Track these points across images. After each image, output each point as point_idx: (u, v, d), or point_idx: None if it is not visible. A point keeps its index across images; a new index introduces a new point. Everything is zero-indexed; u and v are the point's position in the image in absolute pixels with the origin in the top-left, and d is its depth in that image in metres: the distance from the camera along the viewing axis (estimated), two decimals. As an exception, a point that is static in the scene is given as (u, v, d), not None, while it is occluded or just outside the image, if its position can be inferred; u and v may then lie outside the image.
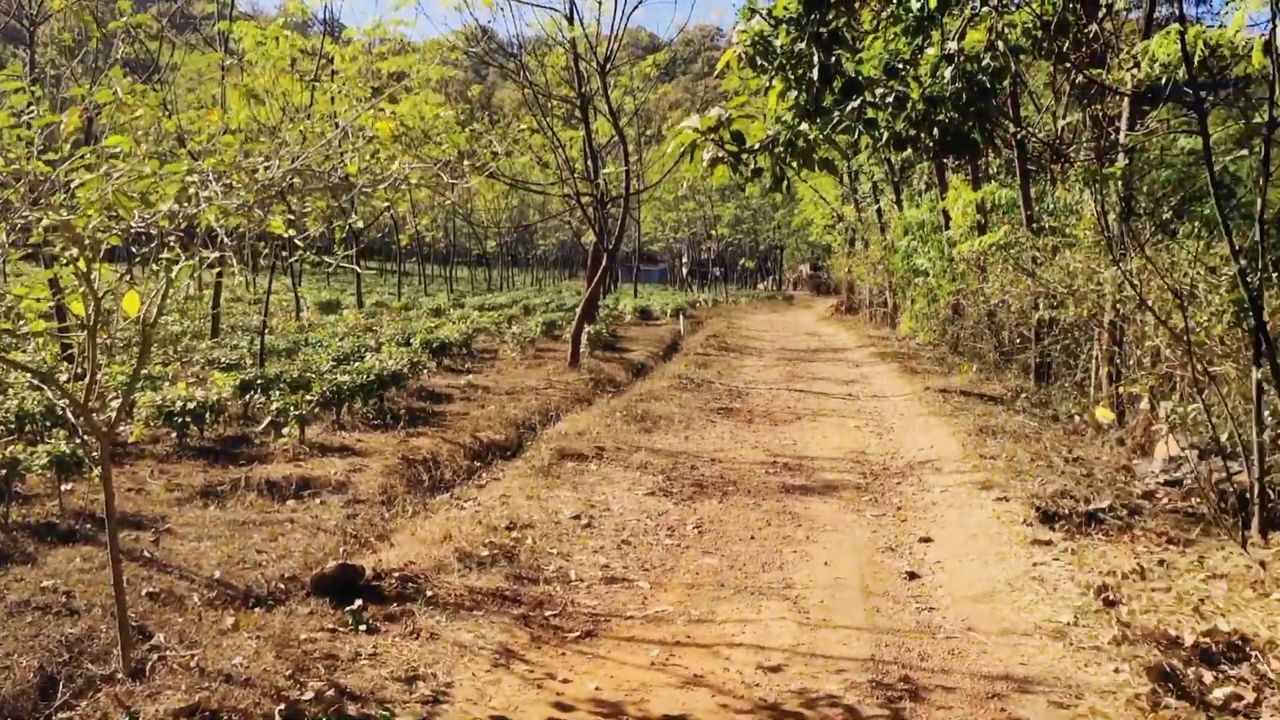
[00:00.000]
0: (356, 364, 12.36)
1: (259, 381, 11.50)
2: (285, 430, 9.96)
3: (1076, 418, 13.41)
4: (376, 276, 60.50)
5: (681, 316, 30.81)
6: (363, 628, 5.42)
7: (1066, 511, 8.32)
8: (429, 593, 6.01)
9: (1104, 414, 13.16)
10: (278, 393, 10.69)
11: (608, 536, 7.64)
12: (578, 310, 18.63)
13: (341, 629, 5.42)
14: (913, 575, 6.77)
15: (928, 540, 7.62)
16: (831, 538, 7.71)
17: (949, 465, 10.02)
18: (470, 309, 29.30)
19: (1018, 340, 18.15)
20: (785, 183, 7.63)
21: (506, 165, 30.29)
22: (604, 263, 19.27)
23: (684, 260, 78.95)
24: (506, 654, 5.30)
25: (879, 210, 30.53)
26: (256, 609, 5.89)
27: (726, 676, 5.05)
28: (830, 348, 24.76)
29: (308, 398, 10.56)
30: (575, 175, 21.23)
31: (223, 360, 13.97)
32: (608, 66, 20.09)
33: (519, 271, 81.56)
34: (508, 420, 11.88)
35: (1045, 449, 10.53)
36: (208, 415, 10.18)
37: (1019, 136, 15.52)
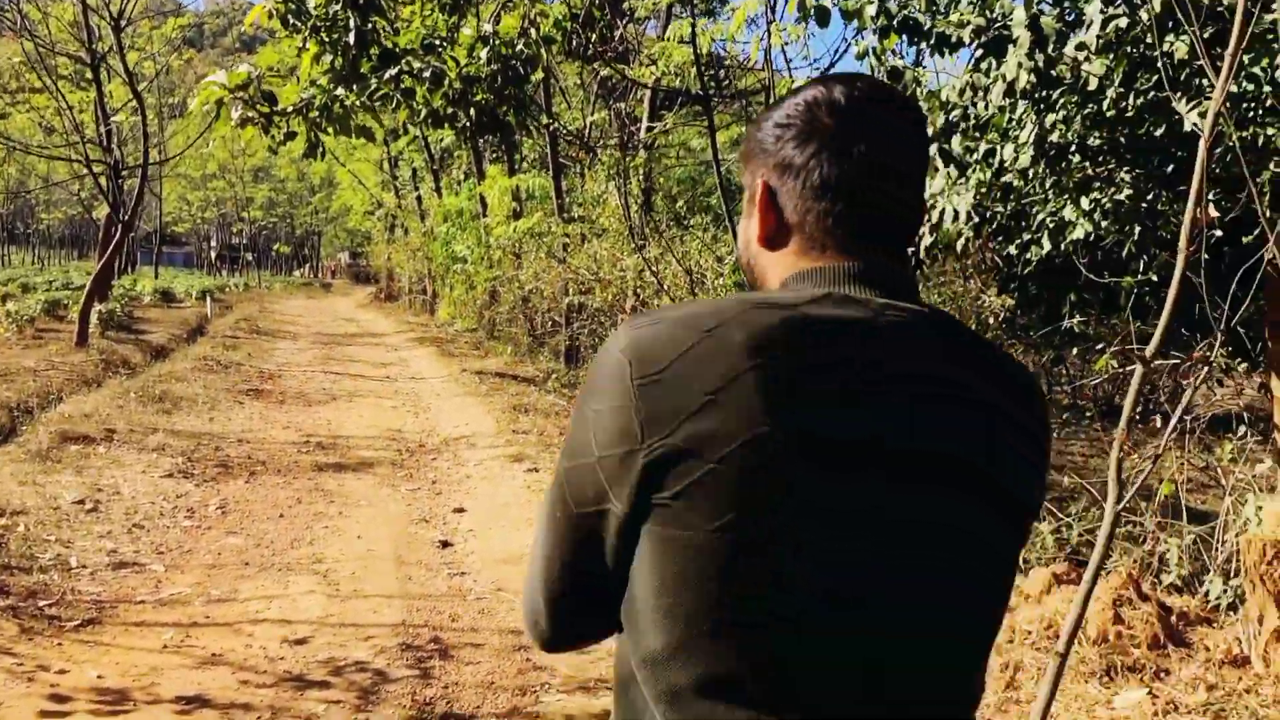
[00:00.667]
0: None
1: None
2: None
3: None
4: None
5: (209, 299, 28.98)
6: None
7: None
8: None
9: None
10: None
11: (117, 521, 6.98)
12: (87, 286, 16.91)
13: None
14: (445, 544, 6.82)
15: (461, 511, 7.72)
16: (365, 513, 7.59)
17: (483, 441, 10.23)
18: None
19: (550, 325, 18.96)
20: (320, 149, 7.40)
21: (3, 127, 26.91)
22: (117, 235, 17.64)
23: (213, 244, 74.37)
24: (-11, 650, 4.68)
25: (419, 197, 30.59)
26: None
27: (249, 653, 4.79)
28: (369, 333, 24.44)
29: None
30: (85, 141, 19.20)
31: None
32: (122, 23, 18.39)
33: (17, 249, 72.77)
34: None
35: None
36: None
37: (550, 128, 16.18)
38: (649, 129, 12.48)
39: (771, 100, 8.06)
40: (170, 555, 6.38)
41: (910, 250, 1.25)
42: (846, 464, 1.00)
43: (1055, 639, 4.32)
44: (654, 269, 12.04)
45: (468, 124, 8.66)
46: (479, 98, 8.54)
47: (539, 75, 11.93)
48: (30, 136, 27.02)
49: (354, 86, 7.34)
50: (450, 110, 8.45)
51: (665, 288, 12.24)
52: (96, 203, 38.06)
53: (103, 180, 19.46)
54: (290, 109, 7.19)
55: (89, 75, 19.18)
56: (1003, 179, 5.24)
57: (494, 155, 26.06)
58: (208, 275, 55.64)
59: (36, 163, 37.23)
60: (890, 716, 1.01)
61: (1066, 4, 4.85)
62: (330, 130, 7.32)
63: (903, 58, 5.51)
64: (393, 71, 7.35)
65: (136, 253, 62.33)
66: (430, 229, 27.57)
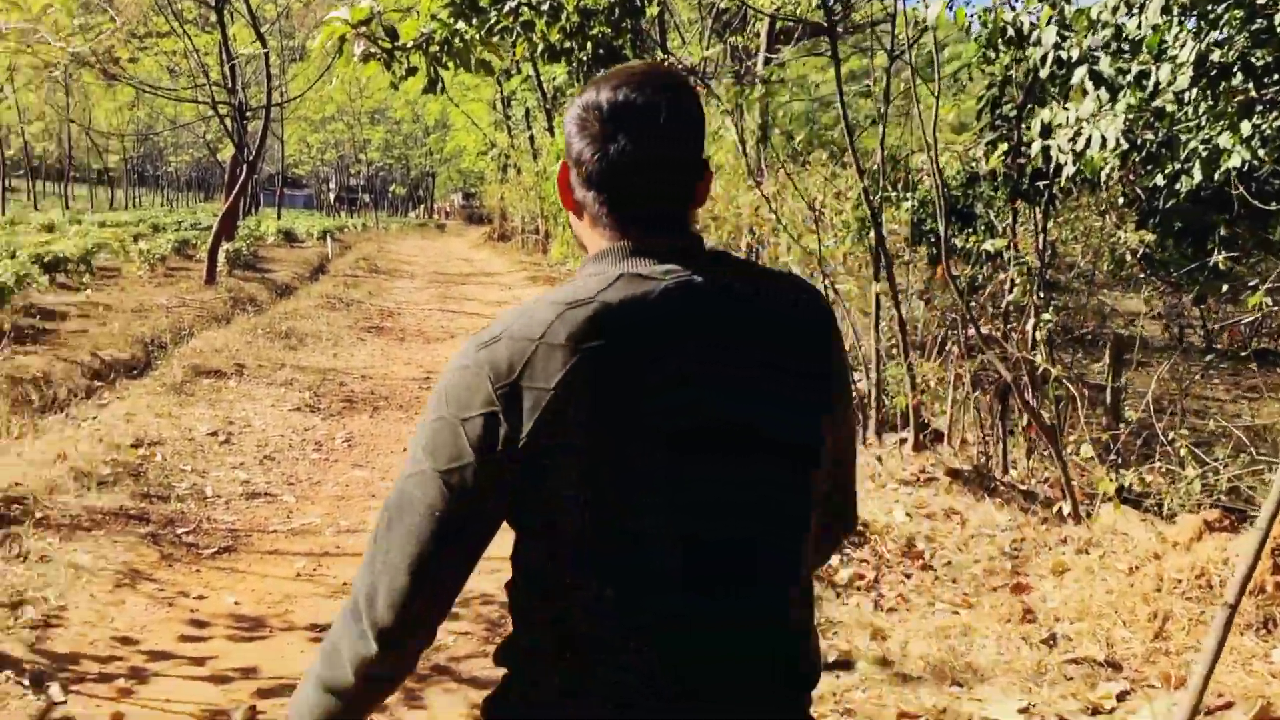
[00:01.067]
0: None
1: None
2: None
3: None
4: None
5: (330, 239, 29.60)
6: (-44, 554, 4.76)
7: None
8: (38, 514, 5.37)
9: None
10: None
11: (249, 452, 7.17)
12: (214, 226, 17.36)
13: (-71, 557, 4.74)
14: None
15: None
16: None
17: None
18: (90, 225, 26.68)
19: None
20: (440, 85, 7.38)
21: (133, 71, 27.70)
22: (243, 177, 18.06)
23: (332, 185, 75.89)
24: (132, 574, 4.83)
25: (531, 137, 30.61)
26: None
27: (378, 583, 4.87)
28: (483, 272, 24.69)
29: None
30: (211, 84, 19.66)
31: None
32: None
33: (147, 191, 75.39)
34: (134, 338, 10.87)
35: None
36: None
37: (665, 63, 15.98)
38: (766, 61, 12.18)
39: (897, 31, 7.74)
40: (300, 486, 6.52)
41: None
42: (653, 434, 1.24)
43: (1207, 588, 4.12)
44: (772, 206, 11.83)
45: (584, 58, 8.56)
46: (595, 31, 8.41)
47: (654, 9, 11.72)
48: (159, 80, 27.74)
49: (473, 20, 7.29)
50: (567, 44, 8.36)
51: (784, 224, 12.02)
52: (221, 145, 39.12)
53: (228, 122, 19.93)
54: (410, 44, 7.18)
55: (214, 18, 19.58)
56: (1155, 103, 4.91)
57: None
58: (327, 216, 56.88)
59: (164, 106, 38.29)
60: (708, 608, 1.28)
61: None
62: (450, 65, 7.30)
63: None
64: (511, 4, 7.27)
65: (260, 194, 64.04)
66: (543, 168, 27.60)
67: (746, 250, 13.82)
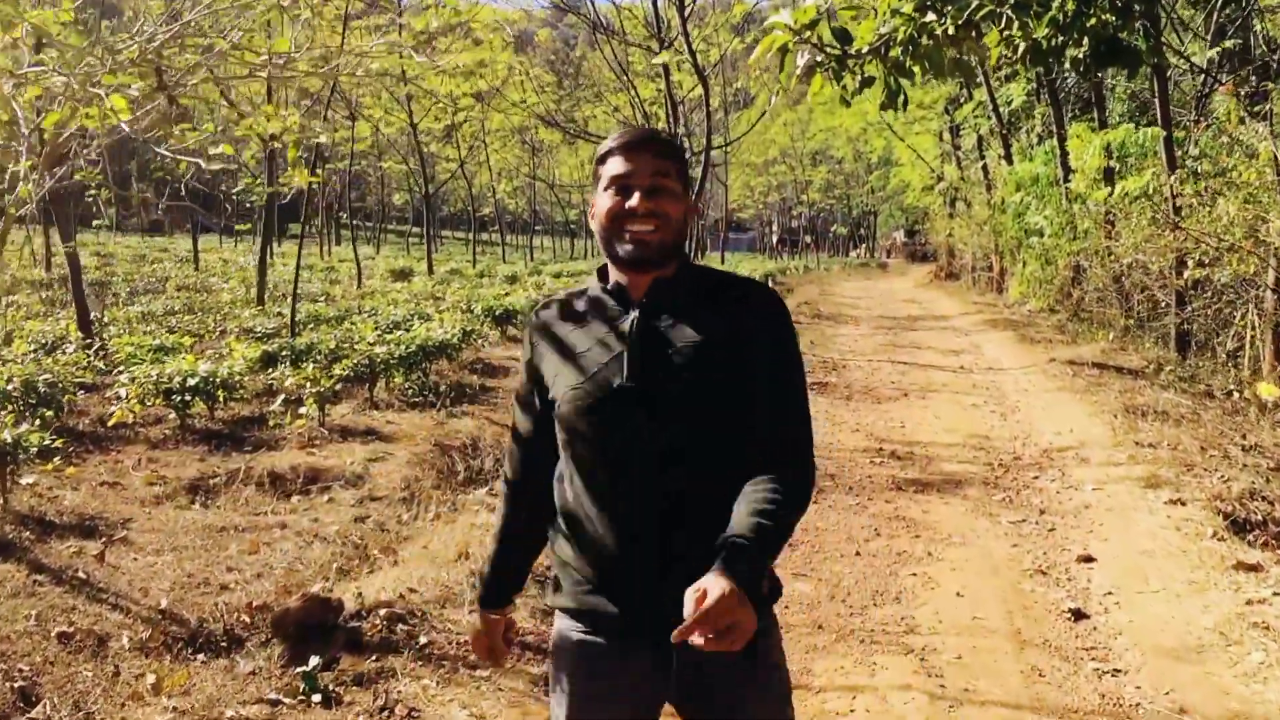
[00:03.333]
0: (401, 334, 10.90)
1: (285, 353, 10.12)
2: (303, 410, 8.53)
3: (1235, 394, 11.42)
4: (461, 246, 59.35)
5: (770, 283, 28.99)
6: (317, 697, 3.89)
7: (1261, 518, 6.50)
8: (423, 638, 4.45)
9: (1269, 390, 11.15)
10: (309, 367, 9.30)
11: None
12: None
13: (287, 699, 3.90)
14: (1078, 615, 5.03)
15: (1089, 559, 5.85)
16: (960, 554, 5.99)
17: (1098, 454, 8.19)
18: (548, 276, 27.85)
19: (1151, 306, 16.06)
20: (902, 98, 5.92)
21: (590, 126, 28.75)
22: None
23: (774, 228, 76.68)
24: (517, 742, 3.73)
25: (984, 167, 28.23)
26: (199, 655, 4.42)
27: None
28: (932, 315, 22.76)
29: (333, 371, 9.16)
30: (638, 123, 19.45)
31: (259, 329, 12.63)
32: (687, 11, 18.29)
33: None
34: None
35: (1212, 434, 8.64)
36: (220, 392, 8.80)
37: (1157, 63, 13.43)
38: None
39: None
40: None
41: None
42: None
43: None
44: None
45: (1079, 55, 6.65)
46: (1093, 20, 6.50)
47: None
48: (610, 131, 28.46)
49: (947, 9, 5.71)
50: (1058, 40, 6.49)
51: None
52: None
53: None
54: (866, 48, 5.78)
55: (659, 69, 19.42)
56: None
57: (1073, 111, 23.14)
58: (769, 259, 57.04)
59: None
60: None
61: None
62: (916, 69, 5.81)
63: None
64: (995, -13, 5.66)
65: (706, 239, 65.81)
66: (998, 200, 25.22)
67: (1276, 286, 11.05)
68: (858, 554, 6.00)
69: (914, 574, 5.65)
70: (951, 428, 9.64)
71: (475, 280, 25.47)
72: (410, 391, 10.23)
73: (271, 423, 8.67)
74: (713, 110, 23.25)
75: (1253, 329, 12.66)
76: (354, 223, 25.50)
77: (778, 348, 1.98)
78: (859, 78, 5.90)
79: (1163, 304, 15.16)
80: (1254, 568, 5.41)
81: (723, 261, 40.79)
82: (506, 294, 18.64)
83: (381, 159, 35.97)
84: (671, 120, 19.19)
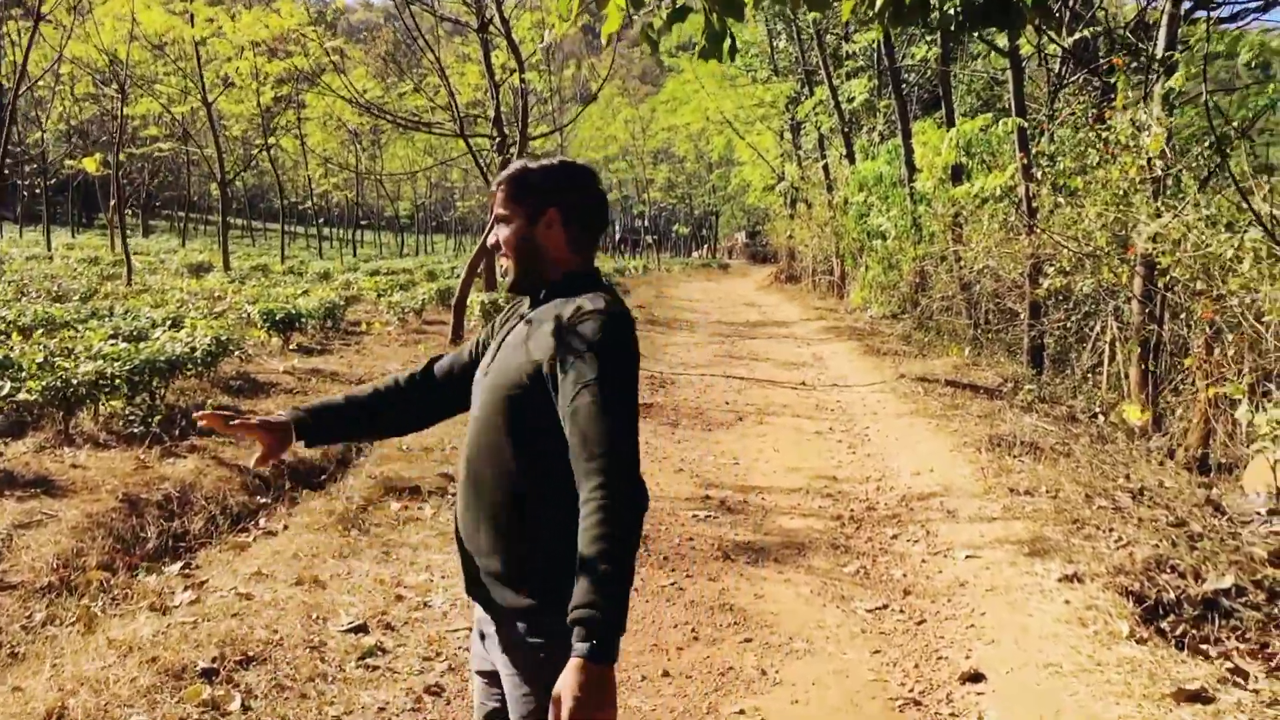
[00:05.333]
0: (125, 346, 8.72)
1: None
2: (-53, 454, 6.38)
3: (1100, 417, 10.30)
4: (290, 240, 55.73)
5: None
6: None
7: (1175, 597, 5.11)
8: None
9: (1134, 413, 10.04)
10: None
11: (403, 674, 4.22)
12: (462, 274, 15.08)
13: None
14: (976, 789, 3.46)
15: (976, 678, 4.30)
16: (806, 670, 4.37)
17: (966, 504, 6.73)
18: (363, 274, 25.57)
19: (1001, 316, 15.05)
20: (728, 43, 4.29)
21: (398, 107, 26.62)
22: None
23: (616, 227, 75.38)
24: None
25: (825, 166, 27.24)
26: None
27: None
28: (772, 320, 21.50)
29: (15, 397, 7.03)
30: (459, 116, 17.44)
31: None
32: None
33: (443, 237, 77.41)
34: None
35: (1094, 476, 7.32)
36: None
37: (1014, 47, 12.32)
38: (1215, 21, 8.40)
39: None
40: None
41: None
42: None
43: None
44: (1202, 235, 8.07)
45: (956, 11, 5.15)
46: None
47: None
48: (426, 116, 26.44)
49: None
50: (927, -7, 4.93)
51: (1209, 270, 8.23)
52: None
53: (489, 157, 17.83)
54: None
55: (479, 50, 17.53)
56: None
57: (916, 112, 22.24)
58: (608, 258, 55.57)
59: (451, 149, 37.61)
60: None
61: None
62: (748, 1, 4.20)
63: None
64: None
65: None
66: (840, 200, 24.21)
67: (1141, 297, 9.95)
68: (665, 674, 4.31)
69: (740, 711, 3.99)
70: (793, 465, 8.11)
71: (280, 278, 23.01)
72: (134, 419, 8.13)
73: (-94, 471, 6.49)
74: (537, 92, 21.47)
75: (1112, 343, 11.64)
76: (123, 210, 22.67)
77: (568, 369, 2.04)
78: (669, 8, 4.25)
79: (1016, 314, 14.14)
80: (1199, 696, 3.95)
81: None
82: (303, 293, 16.45)
83: (187, 143, 32.91)
84: (496, 103, 17.26)
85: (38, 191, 38.61)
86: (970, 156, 15.42)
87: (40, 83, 30.59)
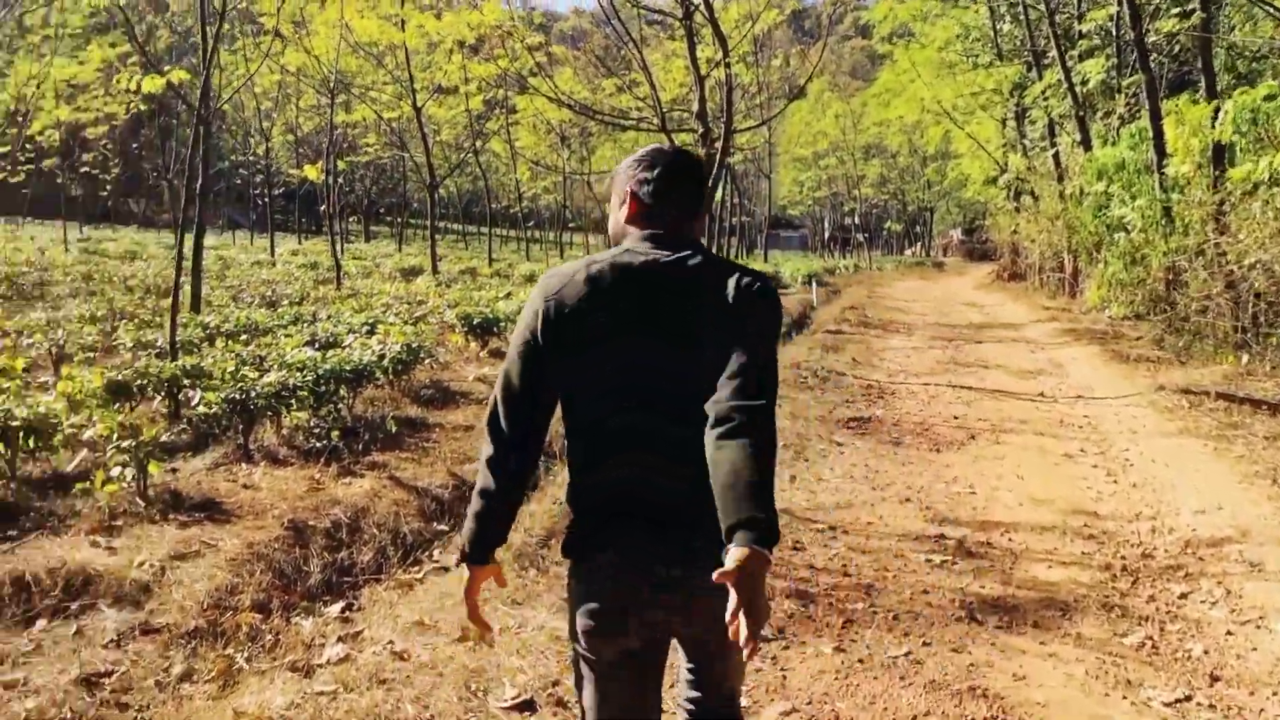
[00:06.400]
0: (312, 354, 8.34)
1: (142, 382, 7.62)
2: (115, 474, 5.99)
3: None
4: (500, 244, 56.71)
5: (814, 284, 26.22)
6: None
7: None
8: None
9: None
10: (141, 405, 6.80)
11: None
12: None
13: None
14: None
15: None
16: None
17: (1273, 555, 5.43)
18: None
19: (1274, 317, 13.12)
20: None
21: (603, 107, 26.16)
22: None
23: (825, 225, 73.56)
24: None
25: (1055, 155, 25.17)
26: None
27: None
28: (999, 322, 19.86)
29: (181, 414, 6.65)
30: (662, 111, 16.65)
31: (161, 344, 10.06)
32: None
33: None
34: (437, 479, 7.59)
35: None
36: (29, 440, 6.34)
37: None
38: None
39: None
40: None
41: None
42: (593, 324, 2.21)
43: None
44: None
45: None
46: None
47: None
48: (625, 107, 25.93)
49: None
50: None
51: None
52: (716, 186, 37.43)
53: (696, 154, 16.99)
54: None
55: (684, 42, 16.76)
56: None
57: (1164, 92, 20.10)
58: (818, 258, 54.08)
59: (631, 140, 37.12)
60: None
61: None
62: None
63: None
64: None
65: (756, 236, 62.89)
66: (1074, 191, 22.24)
67: None
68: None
69: None
70: (1041, 496, 6.90)
71: (486, 280, 22.95)
72: (318, 432, 7.69)
73: (78, 488, 6.15)
74: (744, 86, 20.55)
75: None
76: (332, 215, 23.09)
77: None
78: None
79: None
80: None
81: (765, 260, 38.03)
82: (504, 298, 16.05)
83: (403, 150, 33.62)
84: (701, 96, 16.45)
85: (265, 200, 40.42)
86: (1242, 135, 13.54)
87: (265, 94, 31.80)
